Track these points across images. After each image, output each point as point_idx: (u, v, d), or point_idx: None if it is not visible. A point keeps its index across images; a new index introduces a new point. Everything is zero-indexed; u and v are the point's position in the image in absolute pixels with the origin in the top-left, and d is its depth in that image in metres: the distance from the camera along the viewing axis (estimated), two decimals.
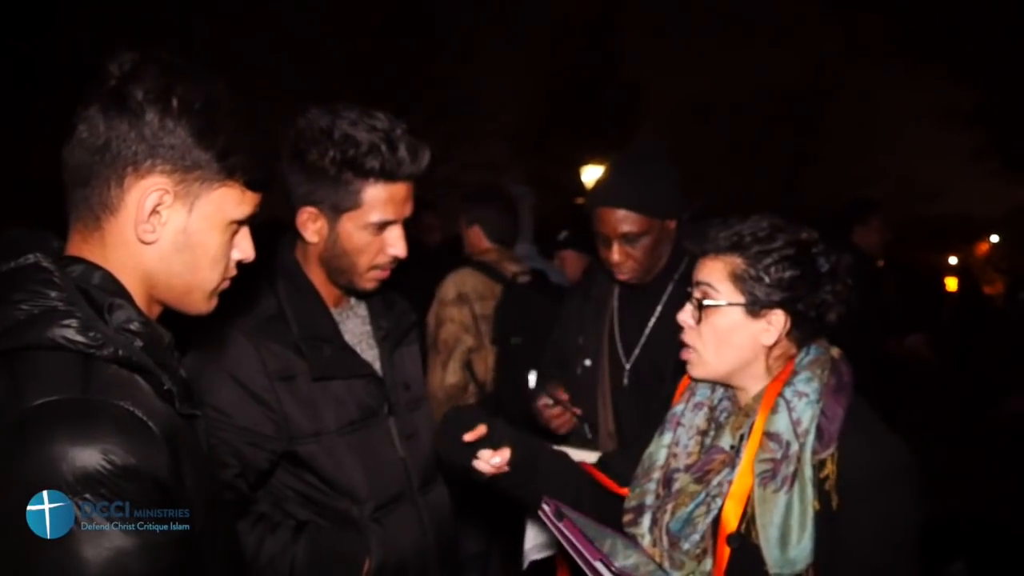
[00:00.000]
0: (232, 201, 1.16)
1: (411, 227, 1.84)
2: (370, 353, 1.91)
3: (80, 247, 1.13)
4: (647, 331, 2.34)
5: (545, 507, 1.47)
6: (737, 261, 1.50)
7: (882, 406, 1.65)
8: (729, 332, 1.52)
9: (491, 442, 1.63)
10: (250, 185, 1.17)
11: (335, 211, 1.71)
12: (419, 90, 20.76)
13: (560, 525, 1.44)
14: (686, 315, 1.57)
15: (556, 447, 2.18)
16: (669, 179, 2.28)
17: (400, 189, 1.72)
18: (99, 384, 0.99)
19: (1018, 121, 15.90)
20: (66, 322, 1.00)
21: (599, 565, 1.38)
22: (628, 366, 2.35)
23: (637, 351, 2.35)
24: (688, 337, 1.58)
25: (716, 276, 1.52)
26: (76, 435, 0.93)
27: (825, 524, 1.40)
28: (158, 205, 1.10)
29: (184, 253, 1.14)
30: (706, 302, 1.53)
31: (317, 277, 1.83)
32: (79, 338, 1.00)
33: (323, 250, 1.77)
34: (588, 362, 2.41)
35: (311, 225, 1.75)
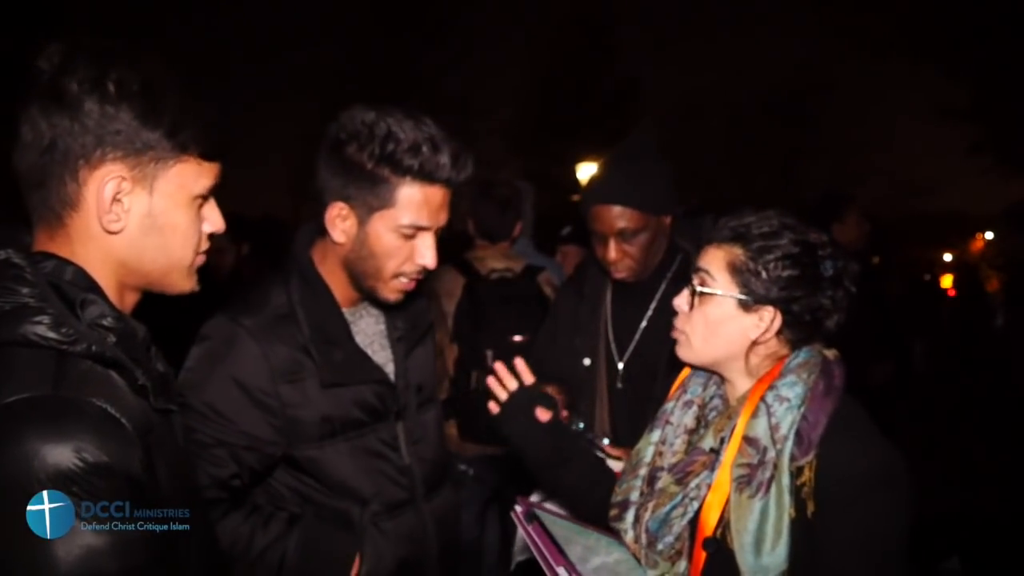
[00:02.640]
0: (191, 175, 1.15)
1: None
2: (382, 354, 1.86)
3: (48, 246, 1.11)
4: (640, 330, 2.32)
5: (517, 508, 1.47)
6: (738, 252, 1.48)
7: (877, 405, 1.63)
8: (719, 323, 1.50)
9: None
10: (205, 156, 1.16)
11: (367, 209, 1.65)
12: (415, 86, 20.73)
13: (529, 528, 1.45)
14: (681, 300, 1.57)
15: None
16: (663, 174, 2.25)
17: (437, 193, 1.66)
18: (72, 381, 0.98)
19: (1014, 117, 15.92)
20: (38, 318, 0.99)
21: (561, 571, 1.38)
22: (622, 365, 2.34)
23: (630, 350, 2.33)
24: (679, 322, 1.57)
25: (715, 265, 1.50)
26: (48, 433, 0.92)
27: (801, 532, 1.37)
28: (118, 193, 1.09)
29: (153, 236, 1.13)
30: (700, 289, 1.52)
31: (334, 278, 1.76)
32: (51, 334, 0.99)
33: (349, 251, 1.70)
34: (588, 361, 2.39)
35: (340, 223, 1.68)
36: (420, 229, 1.67)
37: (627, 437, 2.19)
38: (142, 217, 1.12)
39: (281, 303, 1.73)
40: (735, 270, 1.48)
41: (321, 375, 1.69)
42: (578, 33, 23.54)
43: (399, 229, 1.65)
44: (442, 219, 1.70)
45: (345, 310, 1.80)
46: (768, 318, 1.48)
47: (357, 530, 1.73)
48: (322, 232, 1.74)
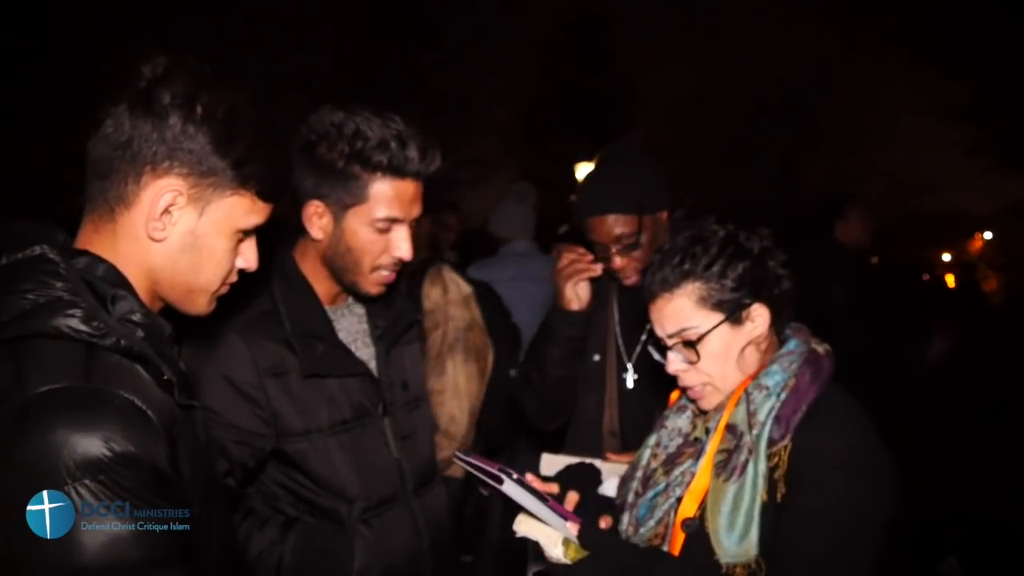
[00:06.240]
0: (242, 209, 1.20)
1: (432, 225, 1.82)
2: (365, 352, 1.89)
3: (91, 237, 1.16)
4: (647, 332, 2.30)
5: (459, 453, 1.54)
6: (696, 286, 1.52)
7: (876, 404, 1.64)
8: (727, 350, 1.53)
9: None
10: (262, 195, 1.21)
11: (341, 206, 1.70)
12: (413, 86, 20.73)
13: (467, 458, 1.53)
14: (678, 363, 1.57)
15: (551, 455, 2.16)
16: (648, 172, 2.25)
17: (408, 187, 1.71)
18: (101, 373, 1.02)
19: (1011, 117, 15.95)
20: (70, 312, 1.03)
21: (499, 474, 1.44)
22: (630, 366, 2.33)
23: (638, 351, 2.32)
24: (691, 379, 1.57)
25: (686, 312, 1.53)
26: (77, 422, 0.95)
27: (771, 515, 1.40)
28: (171, 205, 1.14)
29: (189, 254, 1.18)
30: (691, 339, 1.53)
31: (315, 274, 1.81)
32: (83, 327, 1.03)
33: (327, 247, 1.75)
34: (597, 357, 2.37)
35: (317, 220, 1.74)
36: (394, 222, 1.72)
37: (634, 438, 2.18)
38: (185, 234, 1.17)
39: (264, 300, 1.77)
40: (705, 300, 1.52)
41: (302, 366, 1.73)
42: (577, 32, 23.54)
43: (373, 223, 1.70)
44: (415, 211, 1.75)
45: (328, 308, 1.84)
46: (758, 313, 1.53)
47: (348, 529, 1.75)
48: (302, 231, 1.78)
